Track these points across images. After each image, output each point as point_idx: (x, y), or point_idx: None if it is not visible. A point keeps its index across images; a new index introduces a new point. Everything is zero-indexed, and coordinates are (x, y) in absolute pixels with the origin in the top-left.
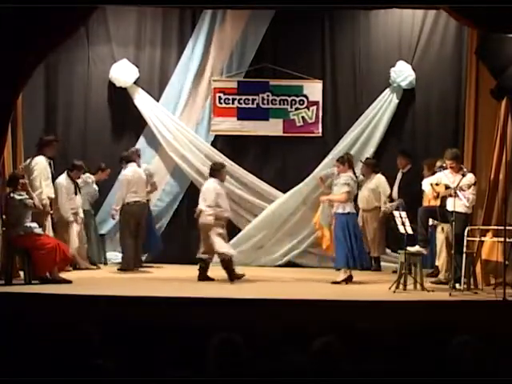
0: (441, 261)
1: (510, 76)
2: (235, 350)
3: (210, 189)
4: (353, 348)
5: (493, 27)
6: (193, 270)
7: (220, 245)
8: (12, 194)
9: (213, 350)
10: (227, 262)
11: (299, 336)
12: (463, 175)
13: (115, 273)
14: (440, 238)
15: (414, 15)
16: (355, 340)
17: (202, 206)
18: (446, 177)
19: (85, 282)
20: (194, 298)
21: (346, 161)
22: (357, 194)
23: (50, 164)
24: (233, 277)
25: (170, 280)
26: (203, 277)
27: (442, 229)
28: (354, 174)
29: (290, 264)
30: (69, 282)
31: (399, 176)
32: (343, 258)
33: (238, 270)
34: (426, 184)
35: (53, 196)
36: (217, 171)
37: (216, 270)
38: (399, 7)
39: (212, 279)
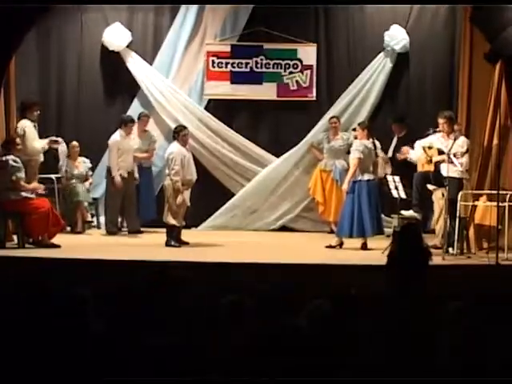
0: (438, 226)
1: (504, 39)
2: (240, 311)
3: (173, 153)
4: (345, 310)
5: None
6: (185, 235)
7: (173, 216)
8: (5, 158)
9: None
10: (172, 229)
11: (293, 299)
12: (455, 139)
13: (106, 236)
14: (439, 203)
15: None
16: (348, 303)
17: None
18: (438, 140)
19: (76, 246)
20: (187, 261)
21: (366, 127)
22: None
23: (34, 127)
24: (169, 243)
25: (160, 245)
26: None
27: (443, 194)
28: (373, 142)
29: (283, 228)
30: (58, 246)
31: (394, 141)
32: (347, 226)
33: (232, 234)
34: (418, 147)
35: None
36: (176, 134)
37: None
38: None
39: (187, 243)
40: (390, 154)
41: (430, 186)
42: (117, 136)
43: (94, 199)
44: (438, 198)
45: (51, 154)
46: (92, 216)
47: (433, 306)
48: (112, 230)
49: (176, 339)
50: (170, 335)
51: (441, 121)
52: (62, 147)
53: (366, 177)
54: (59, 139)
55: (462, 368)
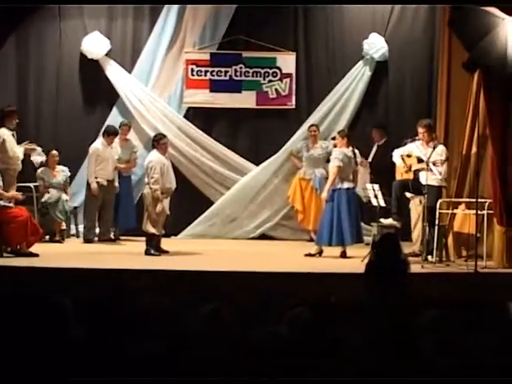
0: (416, 233)
1: (482, 49)
2: (219, 319)
3: (152, 161)
4: (325, 318)
5: None
6: (164, 243)
7: (152, 224)
8: None
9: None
10: (151, 238)
11: (272, 307)
12: (434, 147)
13: (85, 245)
14: (417, 210)
15: None
16: (328, 311)
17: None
18: (417, 148)
19: (55, 254)
20: (167, 270)
21: (346, 136)
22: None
23: (13, 135)
24: (148, 251)
25: (139, 254)
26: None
27: (420, 201)
28: (353, 151)
29: (263, 236)
30: (35, 255)
31: (374, 149)
32: (327, 234)
33: (211, 242)
34: (396, 156)
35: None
36: (155, 142)
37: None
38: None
39: (167, 251)
40: (369, 160)
41: (408, 194)
42: (98, 144)
43: (74, 208)
44: (416, 205)
45: (29, 163)
46: (67, 224)
47: (411, 313)
48: (90, 238)
49: (156, 345)
50: (149, 341)
51: (421, 130)
52: (37, 154)
53: (346, 185)
54: (33, 145)
55: (443, 371)
